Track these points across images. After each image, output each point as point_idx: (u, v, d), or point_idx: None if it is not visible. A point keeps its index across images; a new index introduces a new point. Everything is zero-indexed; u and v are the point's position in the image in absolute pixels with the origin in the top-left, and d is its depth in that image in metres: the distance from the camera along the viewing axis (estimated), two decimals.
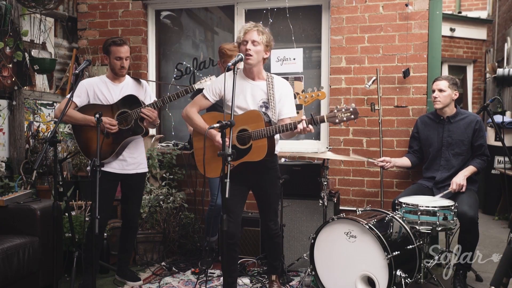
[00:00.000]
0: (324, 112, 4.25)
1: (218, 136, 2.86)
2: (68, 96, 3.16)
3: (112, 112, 3.23)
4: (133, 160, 3.34)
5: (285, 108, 2.96)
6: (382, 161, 3.58)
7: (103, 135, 3.17)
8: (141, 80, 3.46)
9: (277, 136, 2.96)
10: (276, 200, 3.13)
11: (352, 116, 2.73)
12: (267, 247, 3.25)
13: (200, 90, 3.20)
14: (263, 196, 3.08)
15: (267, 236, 3.20)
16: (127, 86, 3.34)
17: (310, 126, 2.74)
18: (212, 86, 2.99)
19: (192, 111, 3.02)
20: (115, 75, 3.30)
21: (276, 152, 3.03)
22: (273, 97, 2.91)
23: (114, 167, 3.26)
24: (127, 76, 3.39)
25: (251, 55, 2.83)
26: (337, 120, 2.75)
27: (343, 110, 2.74)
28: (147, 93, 3.43)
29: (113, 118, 3.21)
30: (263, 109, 2.92)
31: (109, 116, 3.20)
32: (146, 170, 3.49)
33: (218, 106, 3.29)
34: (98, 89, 3.25)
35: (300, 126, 2.74)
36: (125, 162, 3.29)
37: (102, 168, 3.18)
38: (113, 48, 3.20)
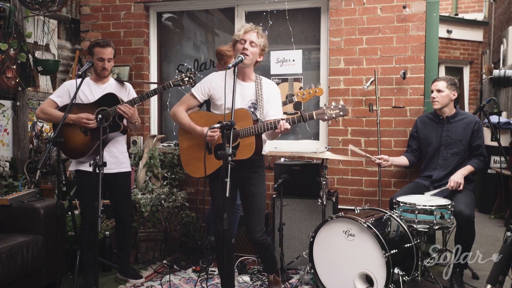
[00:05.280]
0: None
1: (205, 129, 2.78)
2: (50, 96, 3.23)
3: (92, 109, 3.25)
4: (114, 159, 3.33)
5: (272, 110, 2.95)
6: (380, 159, 3.63)
7: (82, 132, 3.21)
8: (125, 83, 3.50)
9: (264, 137, 2.95)
10: (260, 202, 2.96)
11: (341, 113, 2.73)
12: (258, 254, 3.19)
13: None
14: (246, 195, 2.98)
15: (253, 245, 3.10)
16: (110, 88, 3.36)
17: (286, 124, 2.73)
18: (201, 85, 2.96)
19: (179, 110, 2.99)
20: (98, 76, 3.35)
21: (264, 153, 3.00)
22: (261, 97, 2.91)
23: None
24: (110, 78, 3.43)
25: (247, 55, 2.82)
26: (326, 117, 2.75)
27: (332, 107, 2.75)
28: (130, 95, 3.45)
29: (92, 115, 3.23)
30: (252, 110, 2.91)
31: (89, 114, 3.21)
32: (129, 169, 3.49)
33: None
34: (81, 90, 3.23)
35: (280, 124, 2.73)
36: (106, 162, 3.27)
37: (83, 168, 3.24)
38: (97, 49, 3.25)
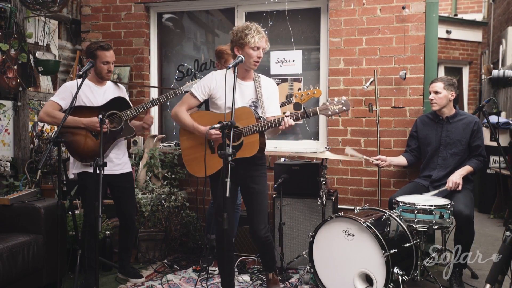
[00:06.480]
0: None
1: (213, 131, 2.82)
2: (52, 98, 3.21)
3: (100, 113, 3.17)
4: (119, 160, 3.37)
5: (272, 107, 2.98)
6: (377, 159, 3.65)
7: (93, 136, 3.21)
8: (119, 84, 3.52)
9: (265, 134, 2.97)
10: (264, 200, 3.00)
11: (344, 108, 2.77)
12: (259, 251, 3.20)
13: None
14: (250, 193, 2.99)
15: (257, 242, 3.11)
16: (109, 90, 3.37)
17: (290, 120, 2.77)
18: (201, 85, 2.97)
19: (180, 110, 2.99)
20: (101, 79, 3.32)
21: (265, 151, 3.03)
22: (261, 95, 2.94)
23: None
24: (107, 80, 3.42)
25: (258, 62, 2.88)
26: (329, 112, 2.79)
27: (335, 102, 2.79)
28: (126, 97, 3.47)
29: None
30: (253, 108, 2.94)
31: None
32: (131, 170, 3.52)
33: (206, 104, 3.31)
34: (82, 92, 3.21)
35: (285, 121, 2.77)
36: (111, 163, 3.28)
37: (88, 170, 3.25)
38: (100, 52, 3.22)
